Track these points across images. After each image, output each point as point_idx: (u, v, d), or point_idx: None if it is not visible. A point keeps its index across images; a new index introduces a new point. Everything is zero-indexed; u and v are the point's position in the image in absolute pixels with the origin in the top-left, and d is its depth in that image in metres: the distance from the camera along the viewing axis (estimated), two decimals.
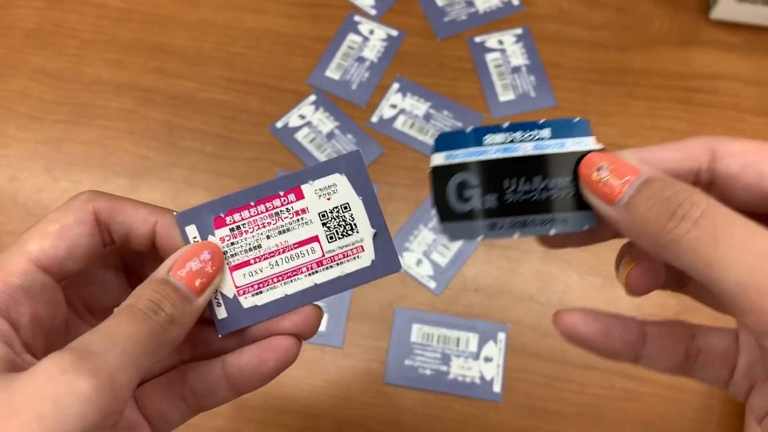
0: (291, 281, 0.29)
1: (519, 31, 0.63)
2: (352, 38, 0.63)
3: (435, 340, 0.51)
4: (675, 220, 0.21)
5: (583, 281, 0.53)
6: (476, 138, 0.26)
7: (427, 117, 0.59)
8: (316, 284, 0.29)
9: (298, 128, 0.59)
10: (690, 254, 0.20)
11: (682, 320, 0.27)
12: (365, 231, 0.29)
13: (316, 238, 0.29)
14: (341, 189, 0.29)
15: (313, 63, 0.62)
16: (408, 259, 0.54)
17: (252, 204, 0.29)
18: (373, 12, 0.65)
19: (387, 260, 0.29)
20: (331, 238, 0.29)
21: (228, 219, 0.28)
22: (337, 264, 0.29)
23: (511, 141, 0.26)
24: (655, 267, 0.26)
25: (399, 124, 0.59)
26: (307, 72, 0.62)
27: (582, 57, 0.62)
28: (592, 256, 0.54)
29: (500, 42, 0.63)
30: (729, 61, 0.61)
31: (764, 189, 0.23)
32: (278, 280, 0.29)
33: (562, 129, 0.26)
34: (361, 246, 0.29)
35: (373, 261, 0.29)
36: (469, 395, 0.50)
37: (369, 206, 0.29)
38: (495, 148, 0.26)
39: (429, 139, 0.58)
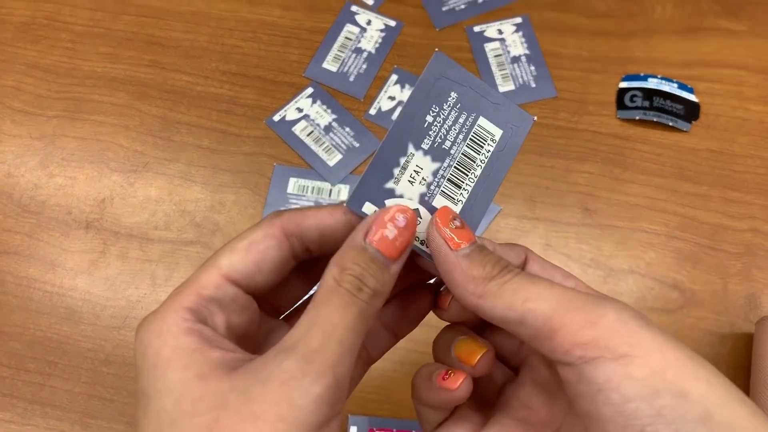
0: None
1: (518, 20, 0.62)
2: (350, 29, 0.62)
3: None
4: (504, 271, 0.25)
5: (585, 274, 0.53)
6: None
7: None
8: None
9: (295, 121, 0.59)
10: (512, 294, 0.25)
11: None
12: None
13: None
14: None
15: (310, 55, 0.62)
16: None
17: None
18: (370, 2, 0.64)
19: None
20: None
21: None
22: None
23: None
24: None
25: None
26: (304, 64, 0.61)
27: (583, 46, 0.61)
28: (593, 248, 0.53)
29: (500, 31, 0.62)
30: (733, 48, 0.60)
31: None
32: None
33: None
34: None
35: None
36: None
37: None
38: None
39: None
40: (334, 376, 0.23)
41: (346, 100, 0.60)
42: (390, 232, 0.25)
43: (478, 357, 0.27)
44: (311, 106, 0.59)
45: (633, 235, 0.54)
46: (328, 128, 0.58)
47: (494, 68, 0.60)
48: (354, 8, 0.63)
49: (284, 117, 0.59)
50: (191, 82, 0.61)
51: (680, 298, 0.52)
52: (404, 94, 0.59)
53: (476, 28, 0.62)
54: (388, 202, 0.27)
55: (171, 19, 0.64)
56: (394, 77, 0.60)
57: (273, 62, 0.61)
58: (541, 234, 0.54)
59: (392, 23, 0.62)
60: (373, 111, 0.59)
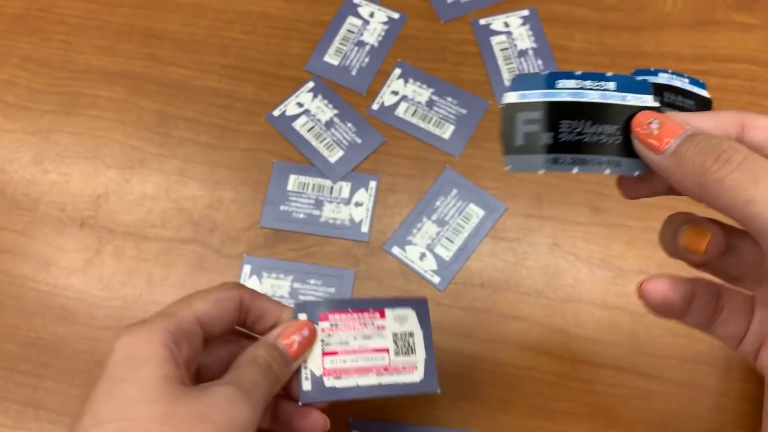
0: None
1: (525, 12, 0.60)
2: (352, 21, 0.61)
3: None
4: (720, 162, 0.24)
5: (593, 275, 0.51)
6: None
7: (430, 104, 0.57)
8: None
9: (295, 117, 0.57)
10: (731, 192, 0.24)
11: (710, 279, 0.31)
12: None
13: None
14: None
15: (311, 48, 0.60)
16: (411, 253, 0.52)
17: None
18: None
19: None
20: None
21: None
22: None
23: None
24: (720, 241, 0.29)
25: (401, 111, 0.57)
26: (305, 57, 0.60)
27: (591, 39, 0.59)
28: (602, 248, 0.52)
29: (506, 24, 0.60)
30: (746, 42, 0.58)
31: None
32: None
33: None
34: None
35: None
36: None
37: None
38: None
39: (432, 127, 0.56)
40: (257, 410, 0.32)
41: (348, 94, 0.58)
42: (297, 336, 0.37)
43: (705, 243, 0.29)
44: (312, 100, 0.58)
45: (643, 234, 0.52)
46: (329, 124, 0.57)
47: (500, 62, 0.58)
48: (356, 0, 0.61)
49: (284, 112, 0.57)
50: (189, 75, 0.59)
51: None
52: (408, 88, 0.57)
53: (482, 21, 0.60)
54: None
55: (168, 11, 0.62)
56: (397, 71, 0.58)
57: (273, 55, 0.60)
58: (548, 233, 0.52)
59: (396, 15, 0.61)
60: (375, 106, 0.57)
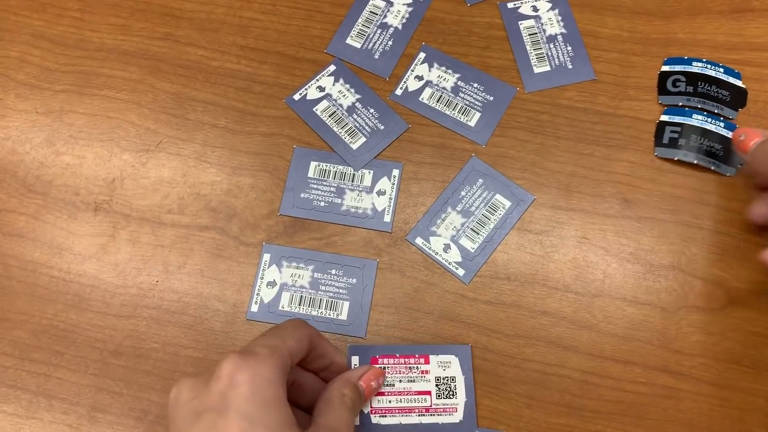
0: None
1: None
2: (375, 3, 0.59)
3: None
4: None
5: (623, 269, 0.50)
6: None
7: (456, 90, 0.55)
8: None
9: (316, 101, 0.55)
10: None
11: None
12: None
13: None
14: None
15: (333, 30, 0.58)
16: (435, 245, 0.50)
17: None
18: None
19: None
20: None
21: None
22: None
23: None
24: None
25: (425, 97, 0.55)
26: (327, 40, 0.58)
27: (622, 26, 0.57)
28: (632, 242, 0.50)
29: (534, 8, 0.58)
30: None
31: None
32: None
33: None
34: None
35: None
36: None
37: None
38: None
39: (457, 114, 0.54)
40: None
41: (371, 78, 0.56)
42: (375, 383, 0.43)
43: None
44: (333, 84, 0.56)
45: (675, 228, 0.51)
46: (351, 109, 0.55)
47: (529, 47, 0.56)
48: None
49: (305, 96, 0.55)
50: (207, 56, 0.57)
51: (724, 297, 0.49)
52: (432, 73, 0.56)
53: (510, 5, 0.58)
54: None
55: None
56: (422, 55, 0.56)
57: (293, 37, 0.58)
58: (578, 226, 0.51)
59: None
60: (399, 91, 0.55)
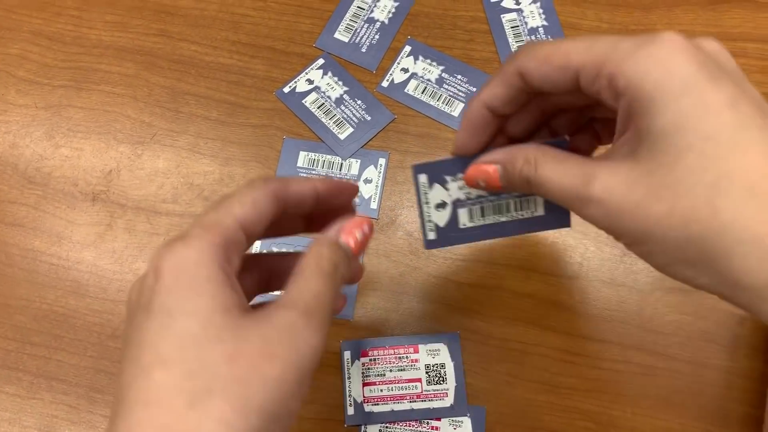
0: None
1: None
2: None
3: None
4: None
5: (601, 252, 0.51)
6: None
7: (440, 81, 0.57)
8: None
9: (305, 93, 0.57)
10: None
11: None
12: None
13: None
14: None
15: (321, 25, 0.60)
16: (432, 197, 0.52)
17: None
18: None
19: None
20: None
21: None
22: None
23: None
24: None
25: (411, 89, 0.57)
26: (315, 34, 0.60)
27: (602, 17, 0.59)
28: None
29: (517, 2, 0.60)
30: (758, 21, 0.58)
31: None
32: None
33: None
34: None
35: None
36: None
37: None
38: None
39: (442, 105, 0.56)
40: (324, 332, 0.29)
41: (358, 71, 0.58)
42: (359, 232, 0.34)
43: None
44: (322, 77, 0.58)
45: None
46: (339, 101, 0.57)
47: (511, 39, 0.58)
48: None
49: (294, 89, 0.57)
50: (200, 52, 0.59)
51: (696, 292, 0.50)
52: (418, 66, 0.57)
53: None
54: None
55: None
56: (407, 48, 0.58)
57: (283, 32, 0.60)
58: None
59: None
60: (385, 83, 0.57)
